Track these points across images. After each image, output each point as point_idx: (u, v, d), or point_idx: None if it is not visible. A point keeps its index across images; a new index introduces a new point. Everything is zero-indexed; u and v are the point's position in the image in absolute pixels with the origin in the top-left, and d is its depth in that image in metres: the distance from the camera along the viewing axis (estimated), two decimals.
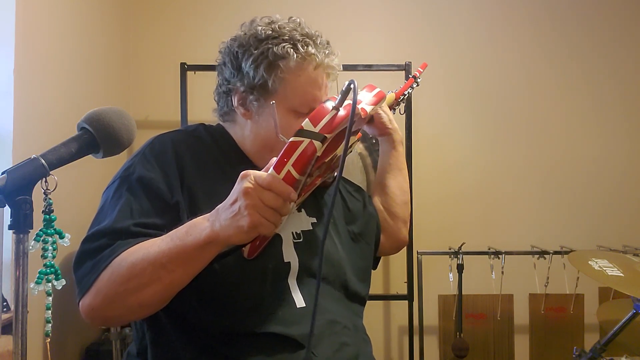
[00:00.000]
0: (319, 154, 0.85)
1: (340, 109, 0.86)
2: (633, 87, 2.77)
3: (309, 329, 0.90)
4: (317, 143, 0.83)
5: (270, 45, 1.04)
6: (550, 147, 2.76)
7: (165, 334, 1.01)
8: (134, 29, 2.73)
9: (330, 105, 0.87)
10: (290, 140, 0.84)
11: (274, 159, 0.84)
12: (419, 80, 1.52)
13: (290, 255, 1.06)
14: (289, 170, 0.83)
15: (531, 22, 2.78)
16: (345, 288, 1.13)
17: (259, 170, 0.87)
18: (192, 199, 1.01)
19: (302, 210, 1.14)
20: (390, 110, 1.49)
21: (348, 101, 0.86)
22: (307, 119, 0.86)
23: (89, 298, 0.91)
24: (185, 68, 2.40)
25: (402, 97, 1.49)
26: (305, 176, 0.88)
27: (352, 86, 0.83)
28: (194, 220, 0.90)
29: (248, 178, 0.83)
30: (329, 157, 0.97)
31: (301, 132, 0.84)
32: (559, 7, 2.77)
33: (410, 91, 1.52)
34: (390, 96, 1.46)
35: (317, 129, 0.84)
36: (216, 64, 1.15)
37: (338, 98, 0.87)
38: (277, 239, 1.05)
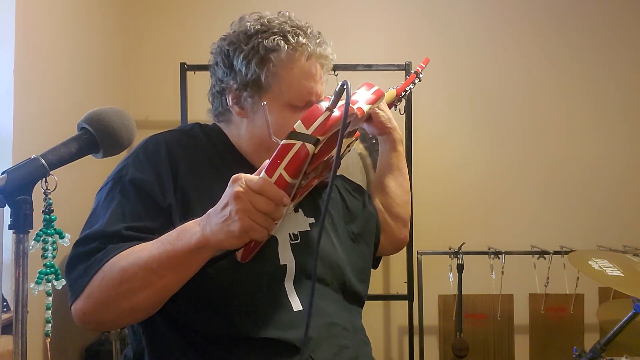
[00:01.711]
0: (314, 152, 0.84)
1: (334, 109, 0.84)
2: (633, 87, 2.77)
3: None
4: (309, 146, 0.81)
5: (260, 39, 1.03)
6: (551, 147, 2.76)
7: (162, 337, 1.00)
8: (134, 29, 2.73)
9: (323, 106, 0.85)
10: (282, 143, 0.82)
11: (267, 162, 0.83)
12: (421, 76, 1.48)
13: (286, 257, 1.04)
14: (281, 174, 0.81)
15: (531, 22, 2.78)
16: (343, 289, 1.11)
17: (255, 170, 0.86)
18: (185, 200, 0.99)
19: (300, 210, 1.12)
20: (392, 106, 1.45)
21: (343, 102, 0.84)
22: (299, 121, 0.83)
23: (81, 302, 0.90)
24: (185, 68, 2.40)
25: (403, 94, 1.45)
26: (299, 179, 0.86)
27: (345, 87, 0.81)
28: (185, 224, 0.88)
29: (239, 182, 0.81)
30: (326, 157, 0.95)
31: (293, 135, 0.82)
32: (559, 7, 2.77)
33: (412, 87, 1.47)
34: (392, 92, 1.42)
35: (309, 131, 0.82)
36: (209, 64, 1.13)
37: (331, 99, 0.84)
38: (272, 241, 1.03)
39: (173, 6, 2.76)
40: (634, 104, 2.77)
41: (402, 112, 1.53)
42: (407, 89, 1.46)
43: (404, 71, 2.40)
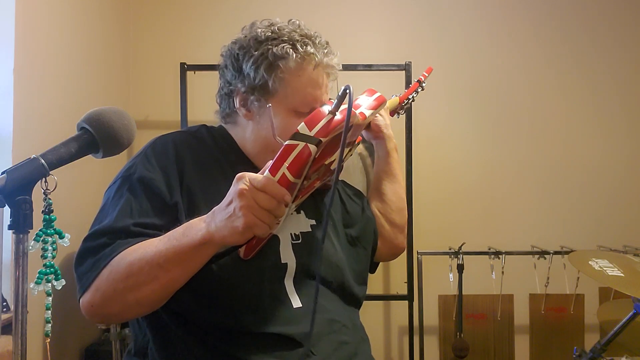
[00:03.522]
0: (316, 153, 0.86)
1: (336, 113, 0.87)
2: (633, 87, 2.77)
3: (306, 327, 0.91)
4: (312, 147, 0.84)
5: (269, 46, 1.05)
6: (551, 147, 2.76)
7: (166, 329, 1.02)
8: (134, 29, 2.73)
9: (326, 109, 0.87)
10: (285, 143, 0.85)
11: (270, 162, 0.85)
12: (424, 84, 1.50)
13: (287, 256, 1.06)
14: (284, 173, 0.83)
15: (531, 22, 2.78)
16: (342, 290, 1.13)
17: (259, 170, 0.88)
18: (191, 199, 1.02)
19: (302, 212, 1.14)
20: (394, 114, 1.48)
21: (345, 105, 0.86)
22: (302, 123, 0.86)
23: (89, 295, 0.93)
24: (185, 68, 2.40)
25: (406, 102, 1.47)
26: (302, 179, 0.88)
27: (347, 91, 0.83)
28: (191, 221, 0.91)
29: (243, 180, 0.84)
30: (328, 160, 0.97)
31: (296, 136, 0.85)
32: (560, 7, 2.77)
33: (414, 95, 1.49)
34: (394, 100, 1.44)
35: (312, 133, 0.85)
36: (216, 64, 1.15)
37: (334, 102, 0.87)
38: (274, 240, 1.06)
39: (173, 6, 2.76)
40: (634, 104, 2.77)
41: (402, 113, 1.54)
42: (410, 97, 1.47)
43: (404, 71, 2.40)
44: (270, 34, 1.07)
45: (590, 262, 1.59)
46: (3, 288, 1.68)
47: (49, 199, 0.79)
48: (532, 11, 2.78)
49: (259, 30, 1.08)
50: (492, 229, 2.71)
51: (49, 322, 0.83)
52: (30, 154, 0.78)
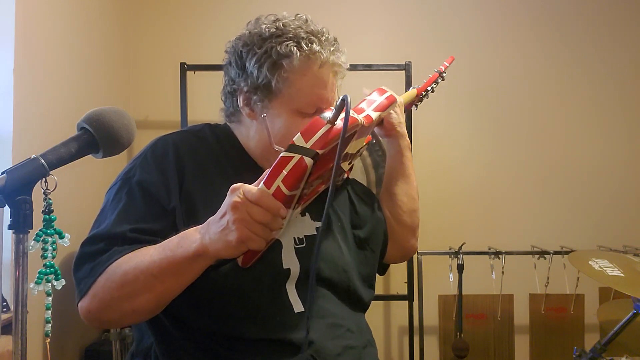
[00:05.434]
0: (313, 165, 0.83)
1: (335, 122, 0.83)
2: (634, 87, 2.77)
3: (308, 333, 0.91)
4: (307, 159, 0.81)
5: (273, 44, 1.02)
6: (551, 147, 2.76)
7: (169, 334, 1.01)
8: (134, 29, 2.73)
9: (325, 117, 0.84)
10: (280, 155, 0.82)
11: (267, 172, 0.82)
12: (444, 74, 1.43)
13: (290, 261, 1.04)
14: (279, 186, 0.80)
15: (531, 22, 2.78)
16: (348, 293, 1.11)
17: (262, 172, 0.86)
18: (191, 203, 1.00)
19: (307, 214, 1.11)
20: (412, 106, 1.42)
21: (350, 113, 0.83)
22: (298, 134, 0.83)
23: (87, 301, 0.93)
24: (185, 68, 2.40)
25: (424, 93, 1.41)
26: (299, 190, 0.86)
27: (345, 101, 0.80)
28: (187, 231, 0.89)
29: (237, 192, 0.81)
30: (332, 165, 0.94)
31: (292, 148, 0.81)
32: (559, 7, 2.77)
33: (434, 86, 1.42)
34: (412, 92, 1.39)
35: (308, 145, 0.81)
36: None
37: (333, 111, 0.83)
38: (276, 245, 1.04)
39: (173, 6, 2.76)
40: (634, 104, 2.77)
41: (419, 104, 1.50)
42: (429, 88, 1.42)
43: (403, 71, 2.40)
44: (274, 30, 1.03)
45: (590, 262, 1.59)
46: (3, 288, 1.68)
47: (49, 199, 0.79)
48: (532, 11, 2.78)
49: (264, 26, 1.04)
50: (492, 229, 2.71)
51: (49, 322, 0.83)
52: (30, 154, 0.78)
